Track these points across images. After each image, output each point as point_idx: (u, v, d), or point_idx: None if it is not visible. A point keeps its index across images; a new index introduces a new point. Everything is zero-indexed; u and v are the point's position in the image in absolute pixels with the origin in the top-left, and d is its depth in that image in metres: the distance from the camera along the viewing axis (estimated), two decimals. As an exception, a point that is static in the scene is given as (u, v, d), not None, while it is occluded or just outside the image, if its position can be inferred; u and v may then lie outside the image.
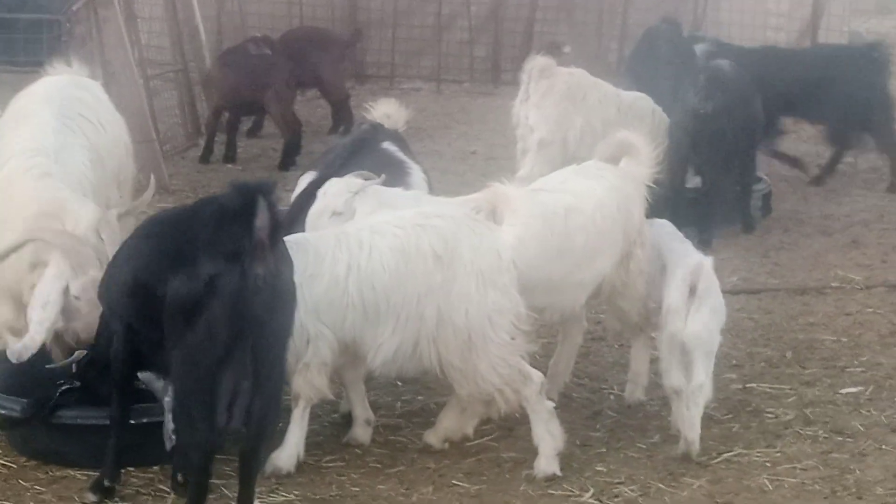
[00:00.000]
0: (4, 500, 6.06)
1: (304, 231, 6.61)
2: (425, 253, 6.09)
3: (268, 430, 5.63)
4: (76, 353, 6.18)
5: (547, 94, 10.37)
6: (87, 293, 6.13)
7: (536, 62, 10.47)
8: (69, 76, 7.75)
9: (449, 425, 6.58)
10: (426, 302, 6.07)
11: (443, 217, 6.22)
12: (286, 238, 6.12)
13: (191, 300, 5.35)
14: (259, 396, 5.48)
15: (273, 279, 5.40)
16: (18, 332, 6.26)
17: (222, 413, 5.42)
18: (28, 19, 13.27)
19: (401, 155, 7.51)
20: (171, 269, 5.42)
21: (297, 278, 5.90)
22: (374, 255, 6.09)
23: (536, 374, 6.26)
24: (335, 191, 6.66)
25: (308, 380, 6.14)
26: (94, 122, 7.39)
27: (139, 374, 6.00)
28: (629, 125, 8.96)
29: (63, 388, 6.18)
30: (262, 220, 5.32)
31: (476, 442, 6.67)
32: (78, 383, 6.17)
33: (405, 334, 6.10)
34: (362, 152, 7.37)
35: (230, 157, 13.25)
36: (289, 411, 6.24)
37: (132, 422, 6.03)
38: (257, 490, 5.78)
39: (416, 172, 7.46)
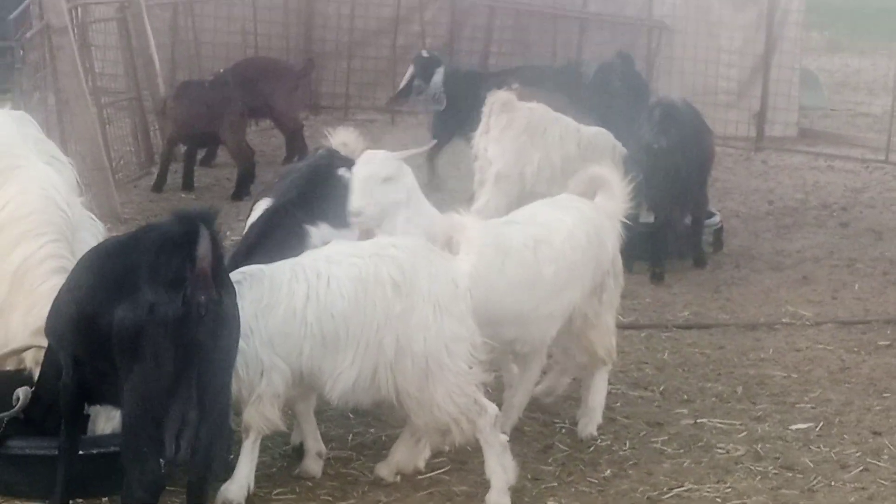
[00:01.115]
0: (-50, 532, 6.00)
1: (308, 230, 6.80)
2: (384, 282, 6.09)
3: (215, 460, 5.59)
4: (18, 390, 6.12)
5: (507, 129, 10.41)
6: None
7: (498, 96, 10.50)
8: (2, 111, 7.53)
9: (401, 458, 6.55)
10: (385, 330, 6.07)
11: (399, 247, 6.23)
12: (241, 269, 6.12)
13: (134, 329, 5.32)
14: (205, 425, 5.45)
15: (216, 307, 5.37)
16: None
17: (170, 443, 5.38)
18: (-20, 45, 13.24)
19: (357, 183, 7.48)
20: (114, 299, 5.39)
21: (251, 309, 5.89)
22: (332, 285, 6.09)
23: (491, 406, 6.25)
24: (382, 157, 6.71)
25: (260, 411, 6.11)
26: (60, 160, 7.24)
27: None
28: (589, 161, 9.01)
29: (7, 418, 6.10)
30: (203, 248, 5.30)
31: (428, 475, 6.65)
32: (22, 415, 6.10)
33: (364, 363, 6.09)
34: (318, 179, 7.35)
35: (188, 185, 13.24)
36: (240, 443, 6.20)
37: (81, 453, 5.97)
38: (206, 522, 5.74)
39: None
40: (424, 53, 14.49)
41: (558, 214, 7.01)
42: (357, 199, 6.86)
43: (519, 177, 10.36)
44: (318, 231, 6.96)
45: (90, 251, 5.99)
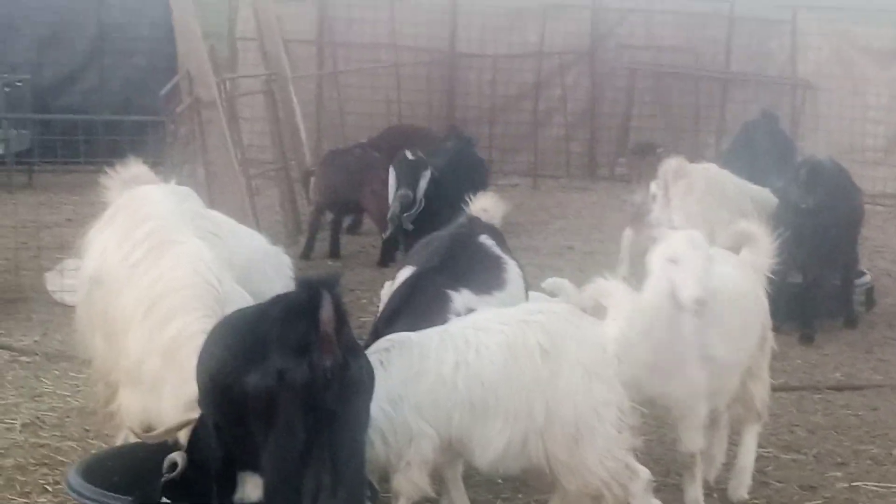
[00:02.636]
0: None
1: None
2: (532, 348, 6.10)
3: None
4: (174, 455, 6.21)
5: (688, 194, 10.29)
6: None
7: (669, 165, 10.36)
8: (167, 186, 7.68)
9: (550, 524, 6.52)
10: (535, 396, 6.07)
11: (545, 312, 6.25)
12: (389, 337, 6.18)
13: (266, 397, 5.39)
14: (341, 489, 5.48)
15: (342, 371, 5.42)
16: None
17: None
18: (132, 121, 13.61)
19: (497, 250, 7.54)
20: (245, 369, 5.47)
21: (400, 376, 5.94)
22: (481, 352, 6.11)
23: (643, 470, 6.20)
24: (700, 236, 6.77)
25: (409, 478, 6.13)
26: (220, 237, 7.36)
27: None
28: (758, 217, 8.95)
29: (164, 484, 6.20)
30: (326, 313, 5.36)
31: (577, 540, 6.60)
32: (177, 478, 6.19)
33: (514, 430, 6.09)
34: (460, 246, 7.40)
35: (334, 253, 13.44)
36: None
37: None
38: (357, 588, 5.75)
39: (511, 268, 7.48)
40: (409, 155, 12.26)
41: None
42: (702, 286, 6.50)
43: (710, 237, 10.17)
44: (459, 297, 6.99)
45: (221, 321, 6.08)
